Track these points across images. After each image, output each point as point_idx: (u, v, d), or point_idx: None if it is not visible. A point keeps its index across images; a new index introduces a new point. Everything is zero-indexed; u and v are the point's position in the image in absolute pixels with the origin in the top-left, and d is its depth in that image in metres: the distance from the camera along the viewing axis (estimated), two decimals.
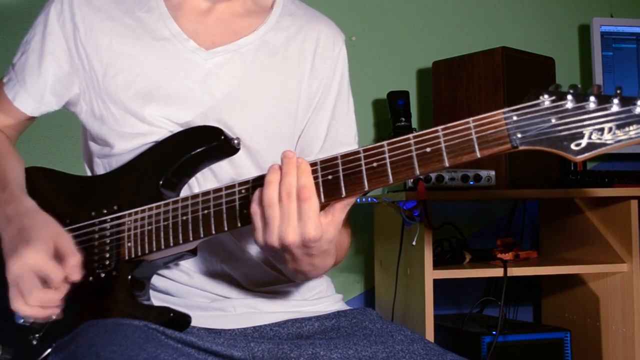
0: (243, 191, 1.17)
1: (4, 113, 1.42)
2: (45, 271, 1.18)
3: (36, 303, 1.18)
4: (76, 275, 1.20)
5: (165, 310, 1.20)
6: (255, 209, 1.11)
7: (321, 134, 1.41)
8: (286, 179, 1.08)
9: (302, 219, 1.07)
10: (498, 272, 2.34)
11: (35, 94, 1.39)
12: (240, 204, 1.16)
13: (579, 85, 0.99)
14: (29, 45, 1.39)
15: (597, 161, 2.99)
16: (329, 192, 1.11)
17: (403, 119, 2.62)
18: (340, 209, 1.11)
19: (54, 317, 1.21)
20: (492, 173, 2.31)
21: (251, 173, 1.32)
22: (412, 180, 2.23)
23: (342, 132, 1.43)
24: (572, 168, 2.52)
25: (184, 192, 1.29)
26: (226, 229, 1.17)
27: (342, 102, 1.44)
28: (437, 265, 2.30)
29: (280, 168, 1.10)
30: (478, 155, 1.03)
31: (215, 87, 1.34)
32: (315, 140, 1.41)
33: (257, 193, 1.11)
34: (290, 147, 1.38)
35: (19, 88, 1.39)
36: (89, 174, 1.44)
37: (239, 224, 1.16)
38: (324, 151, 1.40)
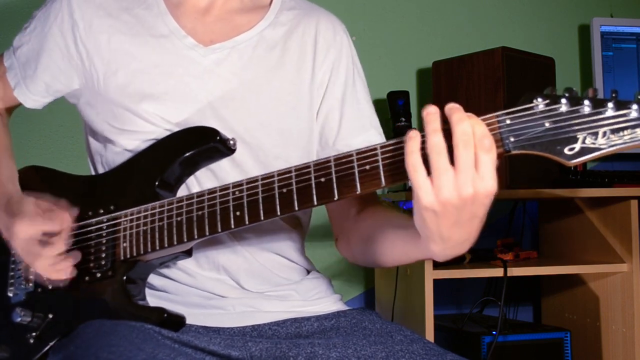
0: (237, 193, 1.16)
1: (4, 97, 1.46)
2: (48, 228, 1.23)
3: (53, 252, 1.23)
4: (73, 212, 1.26)
5: (160, 310, 1.19)
6: (416, 162, 1.00)
7: (334, 121, 1.41)
8: (461, 126, 0.98)
9: (481, 171, 0.98)
10: (498, 272, 2.34)
11: (33, 90, 1.41)
12: (234, 205, 1.16)
13: (575, 89, 0.97)
14: (29, 37, 1.41)
15: (597, 161, 2.99)
16: (321, 195, 1.11)
17: (403, 119, 2.61)
18: None
19: (70, 273, 1.25)
20: None
21: (252, 169, 1.32)
22: None
23: (355, 116, 1.42)
24: (572, 168, 2.52)
25: (183, 191, 1.29)
26: (220, 230, 1.17)
27: (350, 87, 1.43)
28: (437, 265, 2.30)
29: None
30: None
31: (213, 84, 1.34)
32: (328, 130, 1.41)
33: (412, 147, 1.01)
34: (293, 140, 1.38)
35: (20, 79, 1.42)
36: (92, 170, 1.44)
37: (232, 226, 1.16)
38: (342, 137, 1.40)
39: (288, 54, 1.40)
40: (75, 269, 1.25)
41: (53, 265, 1.23)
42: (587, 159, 0.95)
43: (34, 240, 1.23)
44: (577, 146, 0.96)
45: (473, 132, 0.98)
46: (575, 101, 0.96)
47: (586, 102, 0.95)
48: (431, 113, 1.00)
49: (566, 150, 0.96)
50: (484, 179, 0.99)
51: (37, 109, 1.46)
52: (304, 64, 1.40)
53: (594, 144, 0.95)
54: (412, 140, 1.01)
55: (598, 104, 0.95)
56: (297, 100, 1.39)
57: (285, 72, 1.39)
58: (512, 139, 0.99)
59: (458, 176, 0.98)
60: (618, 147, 0.93)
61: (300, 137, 1.39)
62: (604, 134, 0.94)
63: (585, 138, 0.95)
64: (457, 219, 1.02)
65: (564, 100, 0.97)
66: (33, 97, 1.42)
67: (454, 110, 0.99)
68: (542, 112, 0.98)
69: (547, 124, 0.97)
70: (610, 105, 0.95)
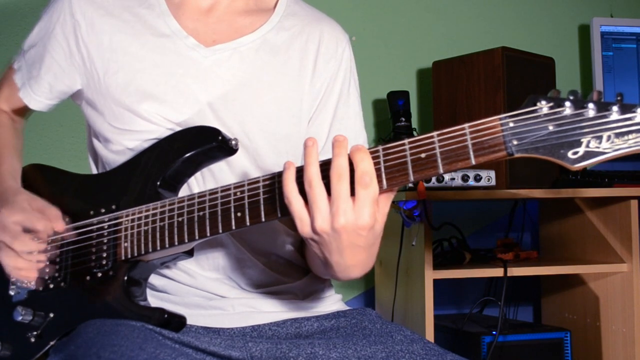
0: (238, 193, 1.16)
1: (12, 99, 1.46)
2: (29, 223, 1.25)
3: (22, 248, 1.25)
4: (59, 224, 1.27)
5: (160, 311, 1.19)
6: (291, 193, 1.06)
7: (322, 133, 1.40)
8: (338, 159, 1.03)
9: (357, 205, 1.03)
10: (498, 272, 2.34)
11: (37, 91, 1.41)
12: (235, 206, 1.16)
13: (579, 91, 0.96)
14: (36, 38, 1.41)
15: None
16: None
17: (403, 119, 2.62)
18: (385, 201, 1.07)
19: (31, 278, 1.27)
20: (492, 173, 2.31)
21: (250, 174, 1.31)
22: None
23: (343, 132, 1.40)
24: None
25: (184, 191, 1.29)
26: (220, 231, 1.17)
27: (343, 102, 1.43)
28: (437, 265, 2.30)
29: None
30: (473, 162, 1.00)
31: (213, 85, 1.33)
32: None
33: (289, 178, 1.06)
34: (292, 148, 1.37)
35: (25, 80, 1.42)
36: (94, 171, 1.44)
37: (234, 227, 1.15)
38: (326, 151, 1.38)
39: (290, 60, 1.39)
40: (39, 279, 1.27)
41: (15, 260, 1.25)
42: (591, 162, 0.94)
43: (8, 231, 1.24)
44: (581, 150, 0.94)
45: (359, 167, 1.02)
46: (579, 104, 0.95)
47: (591, 105, 0.94)
48: (308, 146, 1.05)
49: (570, 154, 0.95)
50: (358, 212, 1.03)
51: (42, 111, 1.45)
52: (304, 72, 1.39)
53: (598, 147, 0.93)
54: (288, 170, 1.06)
55: (602, 108, 0.94)
56: (297, 108, 1.38)
57: (287, 78, 1.38)
58: (515, 142, 0.98)
59: (332, 207, 1.03)
60: (622, 151, 0.92)
61: (299, 145, 1.38)
62: (609, 137, 0.93)
63: (589, 142, 0.94)
64: (338, 247, 1.07)
65: (568, 104, 0.95)
66: (37, 98, 1.42)
67: (337, 144, 1.04)
68: (545, 115, 0.96)
69: (550, 127, 0.96)
70: (615, 108, 0.93)
